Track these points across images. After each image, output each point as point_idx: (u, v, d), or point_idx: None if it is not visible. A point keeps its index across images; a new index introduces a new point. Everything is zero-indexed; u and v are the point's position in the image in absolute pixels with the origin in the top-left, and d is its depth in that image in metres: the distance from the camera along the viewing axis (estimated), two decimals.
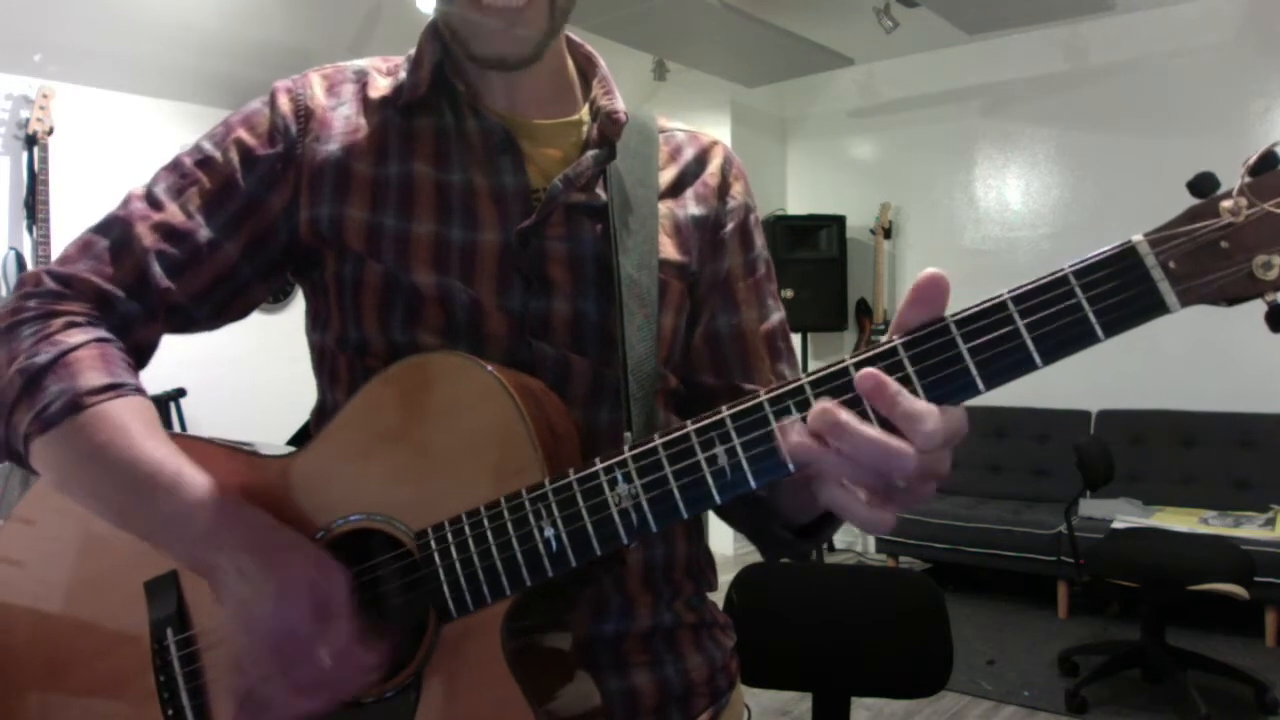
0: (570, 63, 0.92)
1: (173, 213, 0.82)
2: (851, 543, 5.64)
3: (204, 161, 0.84)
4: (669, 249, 0.88)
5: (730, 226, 0.93)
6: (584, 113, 0.91)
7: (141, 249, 0.81)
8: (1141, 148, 4.68)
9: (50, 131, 3.66)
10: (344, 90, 0.87)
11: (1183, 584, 3.20)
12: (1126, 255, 0.55)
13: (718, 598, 0.99)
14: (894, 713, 3.35)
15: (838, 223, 5.46)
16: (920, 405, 0.56)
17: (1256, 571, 3.30)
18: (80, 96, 3.90)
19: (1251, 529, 3.92)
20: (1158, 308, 0.55)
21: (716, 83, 5.35)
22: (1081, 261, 0.56)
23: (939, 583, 1.37)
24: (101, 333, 0.78)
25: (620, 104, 0.89)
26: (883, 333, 5.34)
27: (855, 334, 5.53)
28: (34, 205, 3.57)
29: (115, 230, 0.82)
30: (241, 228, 0.83)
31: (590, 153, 0.86)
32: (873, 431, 0.56)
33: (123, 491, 0.74)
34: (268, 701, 0.68)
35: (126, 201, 0.84)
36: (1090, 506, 4.24)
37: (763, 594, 1.09)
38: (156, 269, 0.81)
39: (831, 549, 5.52)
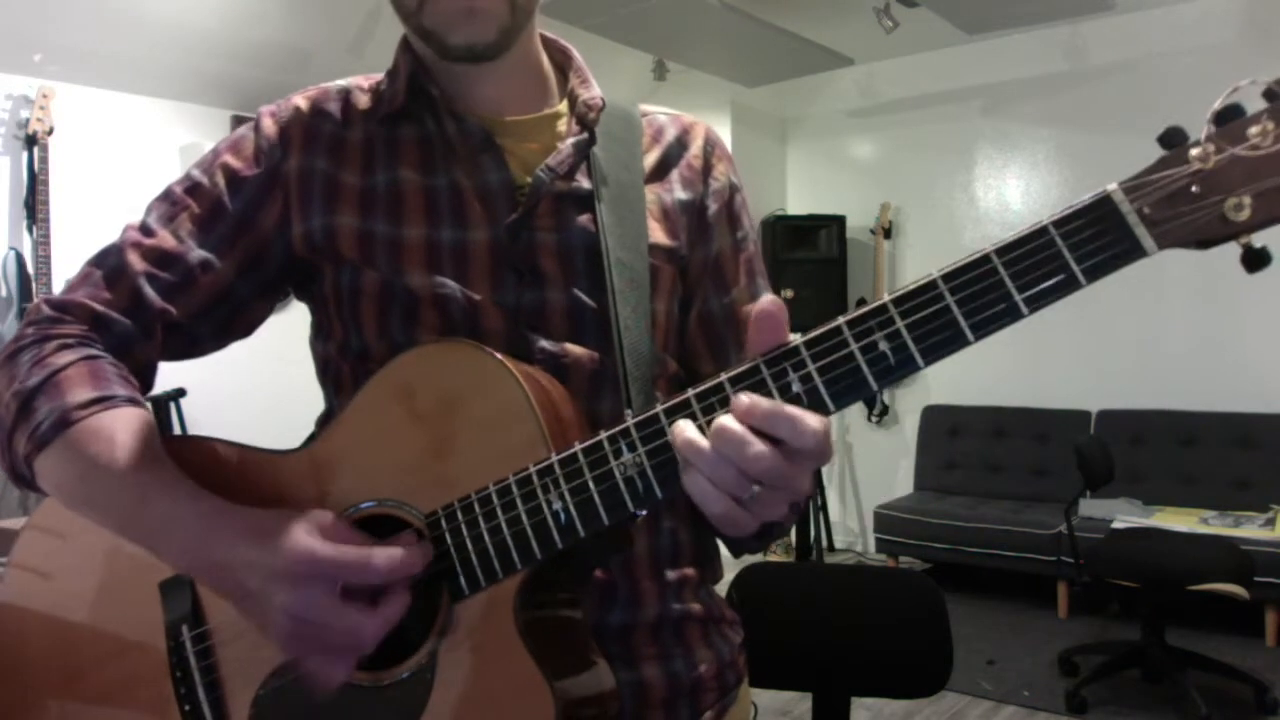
0: (545, 59, 0.93)
1: (163, 238, 0.85)
2: (851, 543, 5.64)
3: (192, 188, 0.87)
4: (658, 233, 0.89)
5: (715, 208, 0.94)
6: (562, 105, 0.92)
7: (134, 273, 0.84)
8: (1142, 148, 4.54)
9: (50, 131, 3.66)
10: (328, 107, 0.89)
11: (1183, 584, 3.20)
12: (1103, 203, 0.58)
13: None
14: (894, 713, 3.35)
15: (838, 223, 5.45)
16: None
17: (1256, 571, 3.30)
18: (80, 96, 3.90)
19: (1251, 529, 3.92)
20: (1135, 251, 0.58)
21: (716, 83, 5.35)
22: (1059, 212, 0.59)
23: (939, 583, 1.37)
24: (92, 350, 0.81)
25: (596, 90, 0.91)
26: None
27: None
28: (34, 205, 3.57)
29: (110, 259, 0.85)
30: (234, 247, 0.86)
31: (569, 140, 0.87)
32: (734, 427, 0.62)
33: (115, 502, 0.75)
34: (343, 649, 0.68)
35: (122, 232, 0.87)
36: (1090, 506, 4.24)
37: (763, 594, 1.09)
38: (149, 290, 0.83)
39: (831, 549, 5.52)
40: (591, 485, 0.68)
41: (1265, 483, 4.21)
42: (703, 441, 0.63)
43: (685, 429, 0.64)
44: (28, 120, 3.65)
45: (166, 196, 0.88)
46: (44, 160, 3.62)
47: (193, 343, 0.89)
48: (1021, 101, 5.11)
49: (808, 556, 4.80)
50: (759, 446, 0.61)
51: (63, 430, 0.75)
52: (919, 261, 5.44)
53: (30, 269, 3.53)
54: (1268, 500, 4.15)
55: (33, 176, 3.61)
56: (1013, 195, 5.16)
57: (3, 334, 3.49)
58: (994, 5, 4.39)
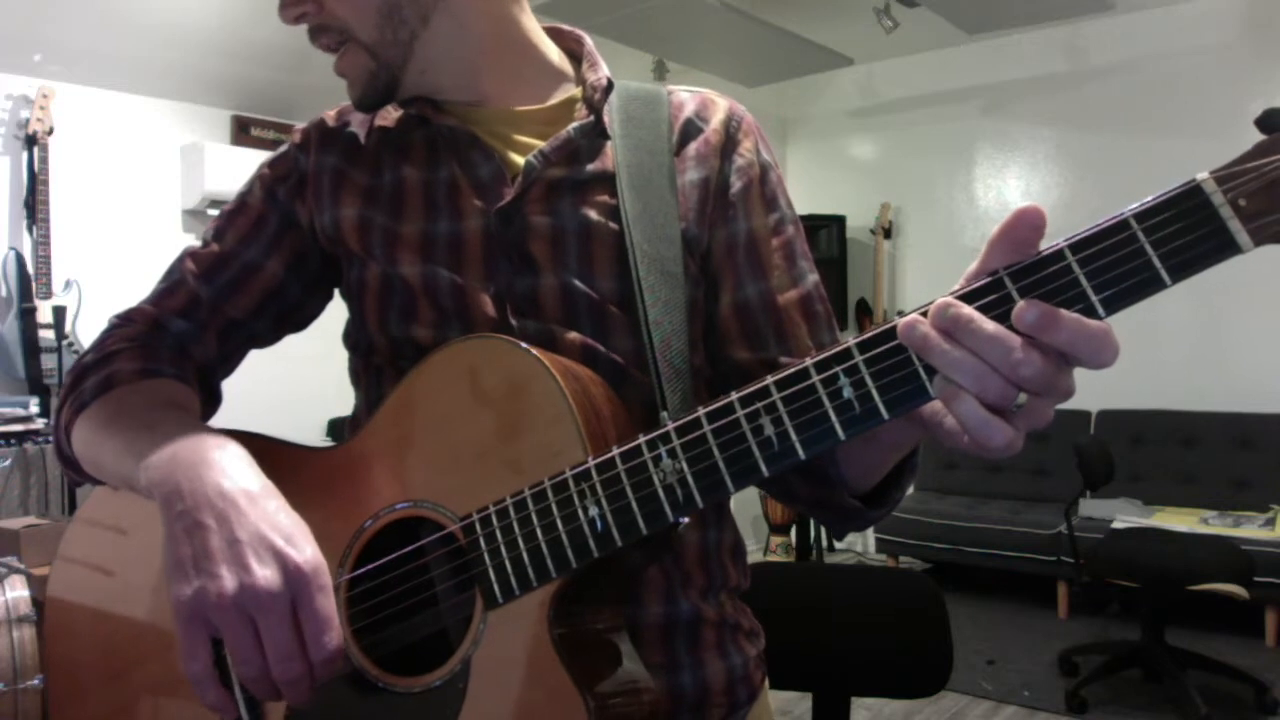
0: (552, 51, 0.92)
1: (215, 248, 0.93)
2: (851, 543, 5.64)
3: (239, 202, 0.95)
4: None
5: (739, 186, 0.88)
6: (577, 91, 0.91)
7: (189, 279, 0.92)
8: (1141, 148, 4.68)
9: (50, 131, 3.65)
10: (350, 116, 0.93)
11: (1183, 584, 3.20)
12: (1192, 194, 0.52)
13: None
14: (894, 713, 3.35)
15: (838, 223, 5.46)
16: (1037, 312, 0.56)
17: (1256, 571, 3.30)
18: (80, 96, 3.89)
19: (1251, 529, 3.93)
20: (1228, 248, 0.51)
21: (716, 83, 5.35)
22: (1143, 204, 0.53)
23: (939, 583, 1.37)
24: (149, 341, 0.88)
25: (603, 72, 0.90)
26: None
27: (855, 334, 5.52)
28: (34, 205, 3.56)
29: (172, 273, 0.94)
30: (279, 247, 0.92)
31: (571, 126, 0.85)
32: (993, 326, 0.55)
33: (127, 443, 0.76)
34: (201, 673, 0.67)
35: (181, 252, 0.95)
36: (1090, 506, 4.24)
37: (763, 594, 1.09)
38: (204, 293, 0.91)
39: (831, 549, 5.52)
40: (629, 493, 0.65)
41: (1265, 483, 4.21)
42: (949, 346, 0.55)
43: (919, 326, 0.56)
44: (28, 120, 3.64)
45: (219, 216, 0.96)
46: (44, 160, 3.61)
47: (251, 338, 0.95)
48: (1021, 101, 5.11)
49: (808, 556, 4.80)
50: (1021, 353, 0.54)
51: (103, 393, 0.82)
52: (919, 261, 5.43)
53: (30, 269, 3.53)
54: (1268, 500, 4.15)
55: (33, 176, 3.60)
56: (1013, 195, 5.16)
57: (2, 334, 3.49)
58: (994, 5, 4.39)
